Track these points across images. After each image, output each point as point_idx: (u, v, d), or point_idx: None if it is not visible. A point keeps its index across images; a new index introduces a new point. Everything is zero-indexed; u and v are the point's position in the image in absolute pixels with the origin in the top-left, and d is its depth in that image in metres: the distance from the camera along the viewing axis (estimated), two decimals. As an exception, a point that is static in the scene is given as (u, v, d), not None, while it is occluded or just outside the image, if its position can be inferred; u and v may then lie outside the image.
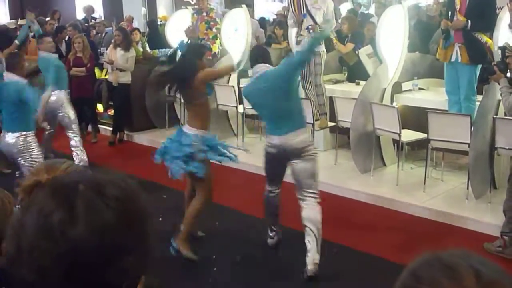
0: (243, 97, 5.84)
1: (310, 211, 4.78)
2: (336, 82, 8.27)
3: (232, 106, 8.49)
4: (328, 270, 4.76)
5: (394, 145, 7.38)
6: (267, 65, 4.95)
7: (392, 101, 7.19)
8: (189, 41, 8.06)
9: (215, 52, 9.12)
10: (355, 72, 8.25)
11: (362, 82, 7.60)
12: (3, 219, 1.76)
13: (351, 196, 6.61)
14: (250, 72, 6.68)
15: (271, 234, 5.34)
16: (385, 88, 7.18)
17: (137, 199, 1.06)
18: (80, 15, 15.20)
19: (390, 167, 7.24)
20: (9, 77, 6.02)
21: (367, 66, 7.87)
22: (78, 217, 0.95)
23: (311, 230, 4.72)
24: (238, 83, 8.66)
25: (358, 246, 5.36)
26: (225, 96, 8.49)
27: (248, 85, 5.22)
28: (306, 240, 4.73)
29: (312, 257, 4.68)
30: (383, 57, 7.24)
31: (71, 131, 7.70)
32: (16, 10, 17.46)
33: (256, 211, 5.64)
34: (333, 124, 7.51)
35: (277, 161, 4.93)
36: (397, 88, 7.28)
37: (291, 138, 4.77)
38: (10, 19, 15.43)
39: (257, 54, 5.12)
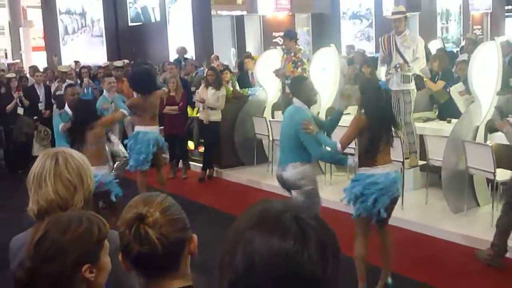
0: None
1: None
2: (427, 120, 8.16)
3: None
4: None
5: (488, 185, 7.15)
6: (299, 101, 5.27)
7: (485, 140, 7.00)
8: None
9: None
10: (446, 110, 8.11)
11: (454, 120, 7.46)
12: (88, 243, 1.75)
13: (443, 237, 6.43)
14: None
15: None
16: (478, 126, 7.01)
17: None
18: (173, 56, 15.78)
19: (484, 207, 7.01)
20: None
21: (459, 104, 7.72)
22: (310, 242, 1.06)
23: None
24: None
25: (450, 288, 5.21)
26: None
27: None
28: None
29: None
30: (476, 95, 7.09)
31: None
32: (113, 52, 18.44)
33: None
34: (424, 162, 7.39)
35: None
36: (490, 126, 7.09)
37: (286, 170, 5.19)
38: (107, 60, 16.25)
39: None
